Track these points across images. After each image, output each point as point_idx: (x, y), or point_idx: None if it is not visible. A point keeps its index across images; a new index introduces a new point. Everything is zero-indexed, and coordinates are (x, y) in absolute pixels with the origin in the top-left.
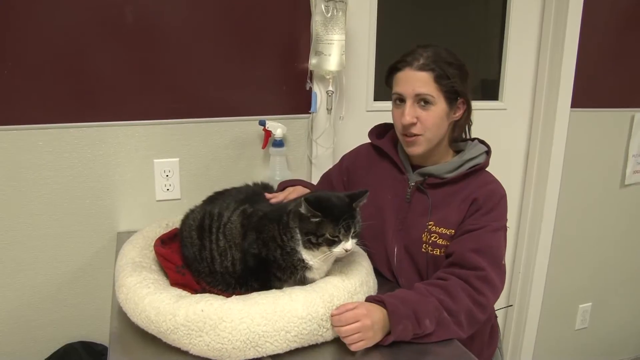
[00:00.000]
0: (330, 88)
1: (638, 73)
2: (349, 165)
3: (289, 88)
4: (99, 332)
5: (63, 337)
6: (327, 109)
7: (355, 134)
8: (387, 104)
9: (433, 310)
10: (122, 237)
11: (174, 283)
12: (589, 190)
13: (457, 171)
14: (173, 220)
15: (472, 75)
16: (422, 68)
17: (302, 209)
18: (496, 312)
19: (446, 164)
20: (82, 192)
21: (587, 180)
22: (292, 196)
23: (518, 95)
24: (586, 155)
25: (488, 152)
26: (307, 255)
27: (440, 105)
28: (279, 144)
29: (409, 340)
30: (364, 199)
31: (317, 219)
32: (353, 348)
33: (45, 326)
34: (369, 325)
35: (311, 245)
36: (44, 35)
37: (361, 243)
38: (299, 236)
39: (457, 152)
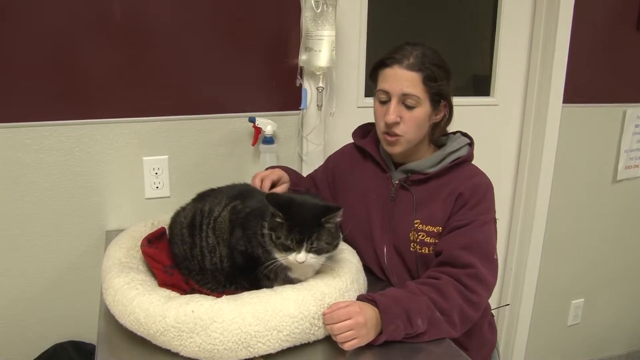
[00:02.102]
0: (321, 84)
1: (629, 68)
2: (334, 167)
3: (279, 84)
4: (89, 332)
5: (52, 337)
6: (317, 105)
7: (346, 131)
8: None
9: (425, 310)
10: (111, 236)
11: (163, 284)
12: (581, 186)
13: (439, 165)
14: (159, 220)
15: (464, 72)
16: (411, 67)
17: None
18: (492, 311)
19: (428, 159)
20: (71, 190)
21: (579, 176)
22: (267, 182)
23: (510, 91)
24: (578, 150)
25: (471, 144)
26: (277, 254)
27: (424, 107)
28: (269, 140)
29: (401, 339)
30: (334, 216)
31: (279, 219)
32: (346, 347)
33: (34, 326)
34: (362, 322)
35: (271, 242)
36: (31, 31)
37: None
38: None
39: (440, 147)
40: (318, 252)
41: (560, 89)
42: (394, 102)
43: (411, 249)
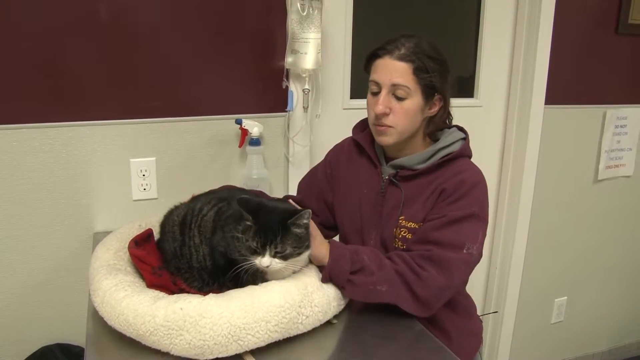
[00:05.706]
0: (307, 86)
1: (609, 70)
2: (332, 159)
3: (266, 86)
4: (76, 334)
5: (39, 339)
6: (303, 107)
7: (332, 132)
8: (364, 102)
9: (374, 257)
10: (99, 238)
11: (151, 285)
12: (563, 186)
13: (429, 161)
14: (146, 221)
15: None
16: (401, 58)
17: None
18: (481, 317)
19: (418, 155)
20: (58, 192)
21: (561, 176)
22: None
23: (493, 92)
24: (560, 151)
25: (465, 139)
26: (250, 257)
27: (415, 99)
28: (256, 142)
29: (350, 279)
30: (300, 219)
31: (248, 222)
32: None
33: (21, 328)
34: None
35: (242, 245)
36: (17, 32)
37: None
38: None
39: (436, 141)
40: (284, 257)
41: (542, 91)
42: (383, 93)
43: (395, 245)
